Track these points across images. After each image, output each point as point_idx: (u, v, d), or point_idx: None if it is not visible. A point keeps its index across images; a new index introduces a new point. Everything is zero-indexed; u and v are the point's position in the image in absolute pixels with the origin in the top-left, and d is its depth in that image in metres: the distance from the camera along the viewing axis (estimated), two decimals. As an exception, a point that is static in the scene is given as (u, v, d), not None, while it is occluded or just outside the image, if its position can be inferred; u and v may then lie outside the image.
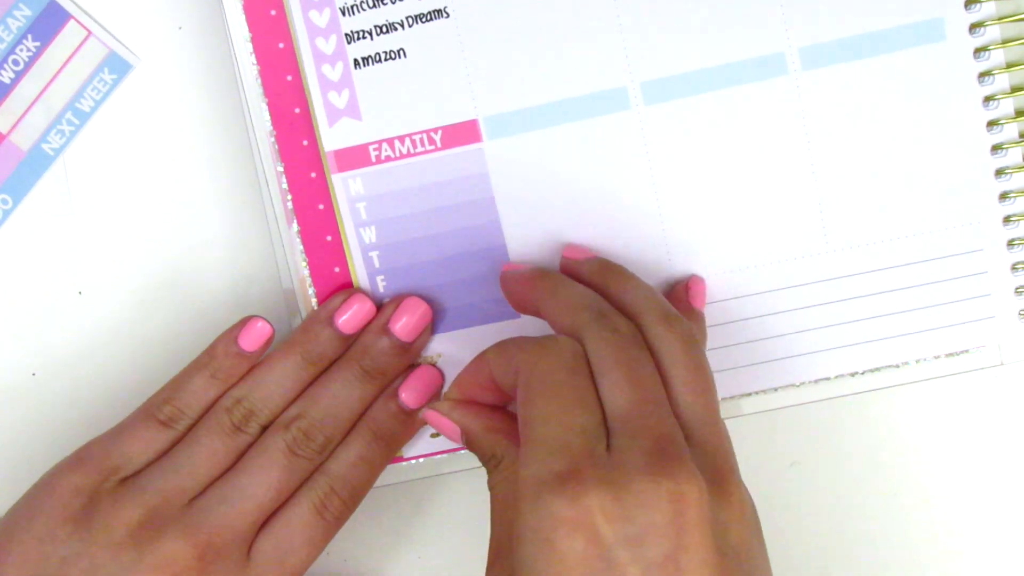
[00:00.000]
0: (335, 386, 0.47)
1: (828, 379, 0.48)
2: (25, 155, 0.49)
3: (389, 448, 0.48)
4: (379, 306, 0.48)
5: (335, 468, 0.46)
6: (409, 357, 0.48)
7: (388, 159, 0.47)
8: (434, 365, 0.49)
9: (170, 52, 0.49)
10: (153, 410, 0.46)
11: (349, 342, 0.48)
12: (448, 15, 0.46)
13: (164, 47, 0.49)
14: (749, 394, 0.48)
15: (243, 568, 0.44)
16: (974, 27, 0.46)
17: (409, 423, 0.48)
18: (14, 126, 0.48)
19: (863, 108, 0.46)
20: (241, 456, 0.46)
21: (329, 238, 0.48)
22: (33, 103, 0.49)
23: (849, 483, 0.51)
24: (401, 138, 0.47)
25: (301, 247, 0.48)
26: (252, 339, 0.47)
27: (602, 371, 0.39)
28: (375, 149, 0.47)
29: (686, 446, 0.38)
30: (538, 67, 0.46)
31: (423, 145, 0.47)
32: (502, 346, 0.43)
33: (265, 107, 0.47)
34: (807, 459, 0.51)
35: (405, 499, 0.51)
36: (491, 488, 0.43)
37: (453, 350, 0.48)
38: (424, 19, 0.46)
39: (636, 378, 0.39)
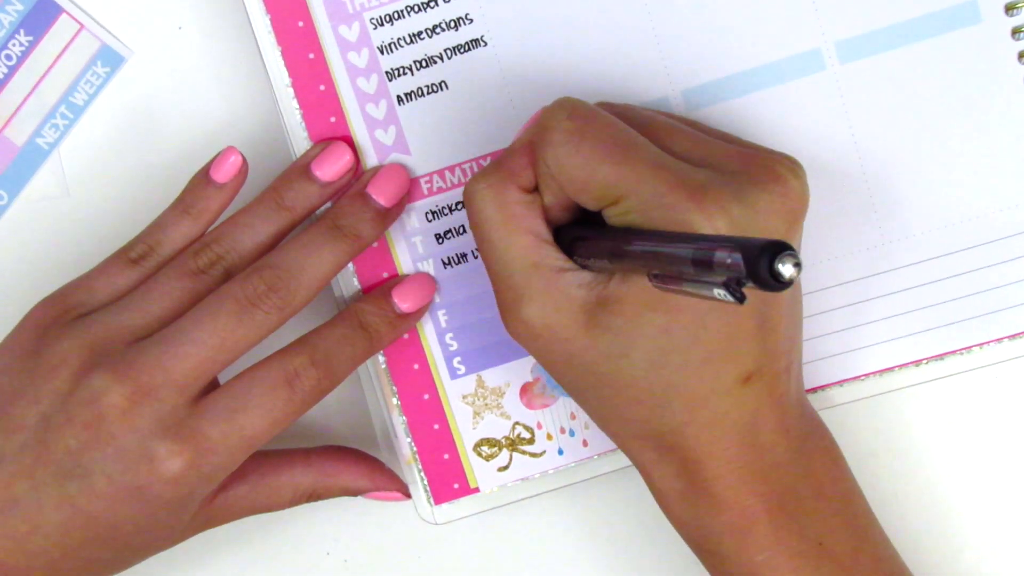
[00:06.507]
0: (305, 237, 0.45)
1: (892, 370, 0.48)
2: (20, 150, 0.49)
3: (371, 344, 0.46)
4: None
5: (317, 340, 0.44)
6: (386, 223, 0.46)
7: (440, 190, 0.47)
8: (429, 275, 0.48)
9: (163, 44, 0.49)
10: (127, 248, 0.45)
11: (326, 193, 0.46)
12: (486, 43, 0.47)
13: (157, 40, 0.49)
14: (814, 390, 0.48)
15: (181, 417, 0.42)
16: (1009, 8, 0.46)
17: (396, 325, 0.47)
18: (8, 121, 0.49)
19: (905, 97, 0.46)
20: None
21: (385, 275, 0.48)
22: (27, 98, 0.49)
23: (923, 476, 0.50)
24: (452, 168, 0.47)
25: (358, 285, 0.48)
26: (223, 170, 0.45)
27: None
28: (427, 182, 0.47)
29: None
30: (576, 88, 0.47)
31: (474, 173, 0.47)
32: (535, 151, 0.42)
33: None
34: (882, 453, 0.50)
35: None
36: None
37: (516, 380, 0.48)
38: (462, 50, 0.47)
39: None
